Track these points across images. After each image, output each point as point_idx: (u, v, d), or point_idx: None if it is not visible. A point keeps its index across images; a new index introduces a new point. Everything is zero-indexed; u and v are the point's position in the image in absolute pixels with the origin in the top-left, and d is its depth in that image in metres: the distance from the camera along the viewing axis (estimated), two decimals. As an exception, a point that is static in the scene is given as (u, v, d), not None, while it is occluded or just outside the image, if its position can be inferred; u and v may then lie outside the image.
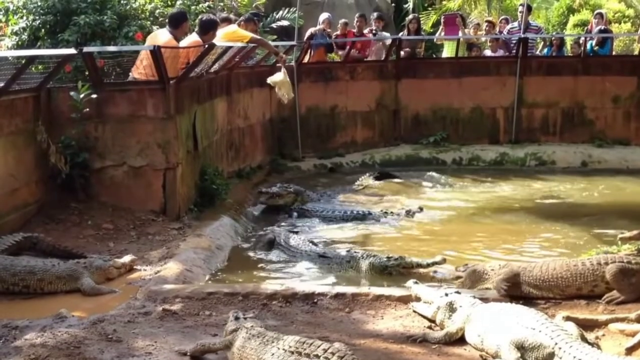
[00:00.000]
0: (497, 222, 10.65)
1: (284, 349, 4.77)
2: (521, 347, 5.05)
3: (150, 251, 8.22)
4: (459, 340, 5.61)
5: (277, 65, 12.87)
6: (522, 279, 6.51)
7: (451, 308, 5.84)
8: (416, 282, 6.55)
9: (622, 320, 5.78)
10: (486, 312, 5.58)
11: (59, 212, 8.98)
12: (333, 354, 4.62)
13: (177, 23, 10.38)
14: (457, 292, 6.09)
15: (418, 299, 6.30)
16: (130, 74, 10.24)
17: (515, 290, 6.48)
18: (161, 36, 10.16)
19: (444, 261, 8.01)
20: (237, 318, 5.41)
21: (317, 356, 4.63)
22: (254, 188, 12.29)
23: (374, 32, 16.73)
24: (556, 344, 4.96)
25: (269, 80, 12.10)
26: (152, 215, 9.32)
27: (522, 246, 9.30)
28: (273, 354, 4.78)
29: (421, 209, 10.96)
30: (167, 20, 10.86)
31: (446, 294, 6.00)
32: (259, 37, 11.70)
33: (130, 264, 7.61)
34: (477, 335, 5.48)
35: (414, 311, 6.23)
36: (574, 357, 4.81)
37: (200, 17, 11.07)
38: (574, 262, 6.55)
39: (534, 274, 6.49)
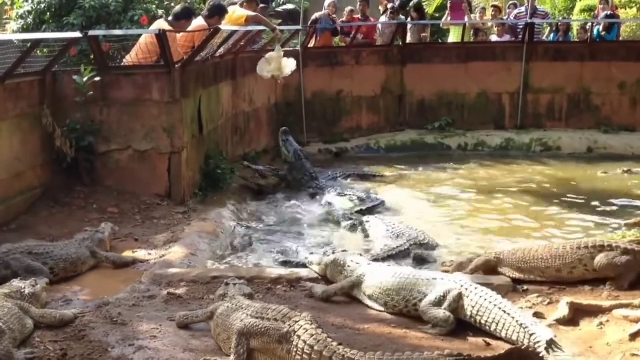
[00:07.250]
0: (499, 207, 10.64)
1: (246, 314, 4.94)
2: (442, 298, 5.58)
3: (155, 235, 8.24)
4: (464, 324, 5.58)
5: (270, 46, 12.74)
6: (506, 262, 6.66)
7: (337, 263, 6.41)
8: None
9: (626, 306, 5.77)
10: (381, 270, 6.10)
11: (64, 195, 8.99)
12: (287, 316, 4.76)
13: (178, 18, 10.40)
14: (344, 251, 6.78)
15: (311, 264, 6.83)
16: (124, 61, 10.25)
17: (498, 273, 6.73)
18: (155, 27, 10.13)
19: None
20: (227, 284, 5.65)
21: (276, 319, 4.76)
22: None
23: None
24: (462, 286, 5.62)
25: (267, 55, 11.96)
26: (157, 199, 9.34)
27: (525, 232, 9.29)
28: (236, 318, 4.96)
29: None
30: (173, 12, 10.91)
31: (333, 252, 6.69)
32: (254, 14, 11.64)
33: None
34: (385, 293, 5.90)
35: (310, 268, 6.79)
36: (480, 296, 5.47)
37: (209, 1, 11.02)
38: (555, 245, 6.69)
39: (517, 257, 6.63)
